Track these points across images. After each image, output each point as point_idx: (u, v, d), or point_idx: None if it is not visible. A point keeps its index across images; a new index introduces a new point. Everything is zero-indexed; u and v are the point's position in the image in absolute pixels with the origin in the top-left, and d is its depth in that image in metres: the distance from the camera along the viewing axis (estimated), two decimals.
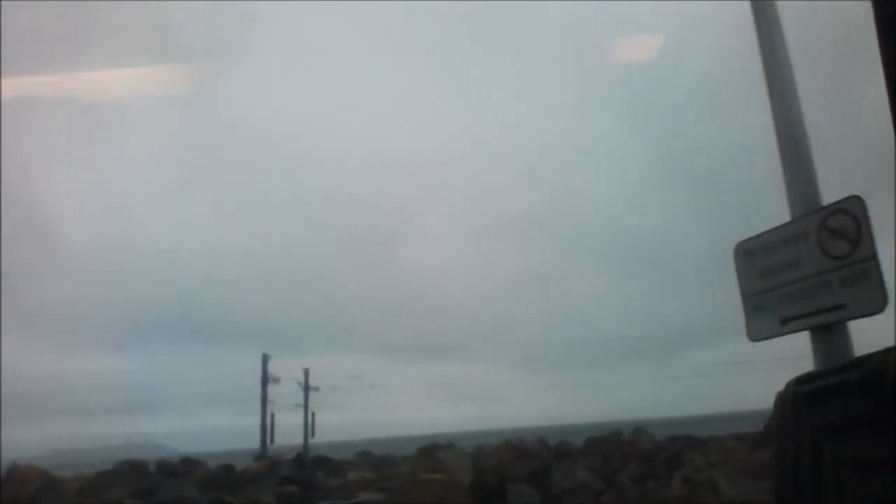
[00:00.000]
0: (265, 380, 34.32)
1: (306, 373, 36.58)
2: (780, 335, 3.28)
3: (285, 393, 35.16)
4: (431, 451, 20.48)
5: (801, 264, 3.19)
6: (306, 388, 36.13)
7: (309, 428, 35.65)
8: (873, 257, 2.94)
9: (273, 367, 35.06)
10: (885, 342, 0.78)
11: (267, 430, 33.45)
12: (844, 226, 3.03)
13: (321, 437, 36.06)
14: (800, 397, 0.79)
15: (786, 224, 3.31)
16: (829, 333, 3.09)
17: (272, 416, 33.83)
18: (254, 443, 33.14)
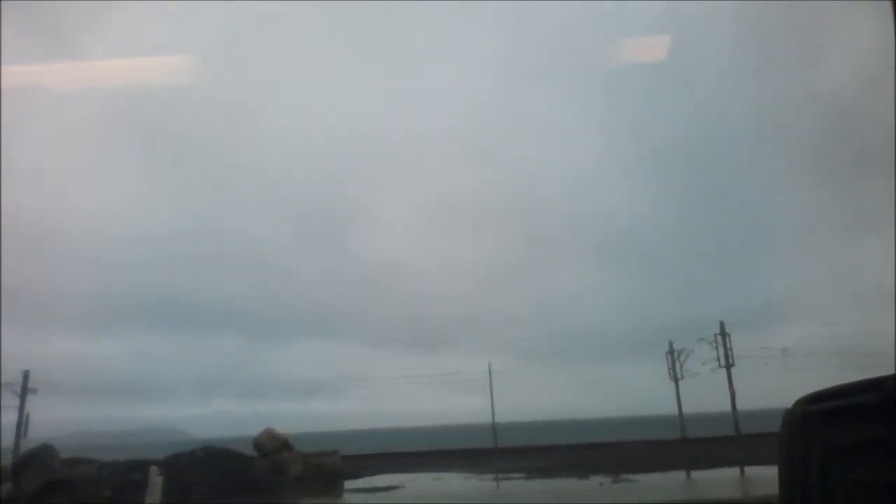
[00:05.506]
0: None
1: (25, 375, 37.44)
2: None
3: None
4: None
5: None
6: (23, 391, 37.24)
7: (22, 428, 36.96)
8: None
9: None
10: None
11: None
12: None
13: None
14: (810, 416, 0.78)
15: None
16: None
17: None
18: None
